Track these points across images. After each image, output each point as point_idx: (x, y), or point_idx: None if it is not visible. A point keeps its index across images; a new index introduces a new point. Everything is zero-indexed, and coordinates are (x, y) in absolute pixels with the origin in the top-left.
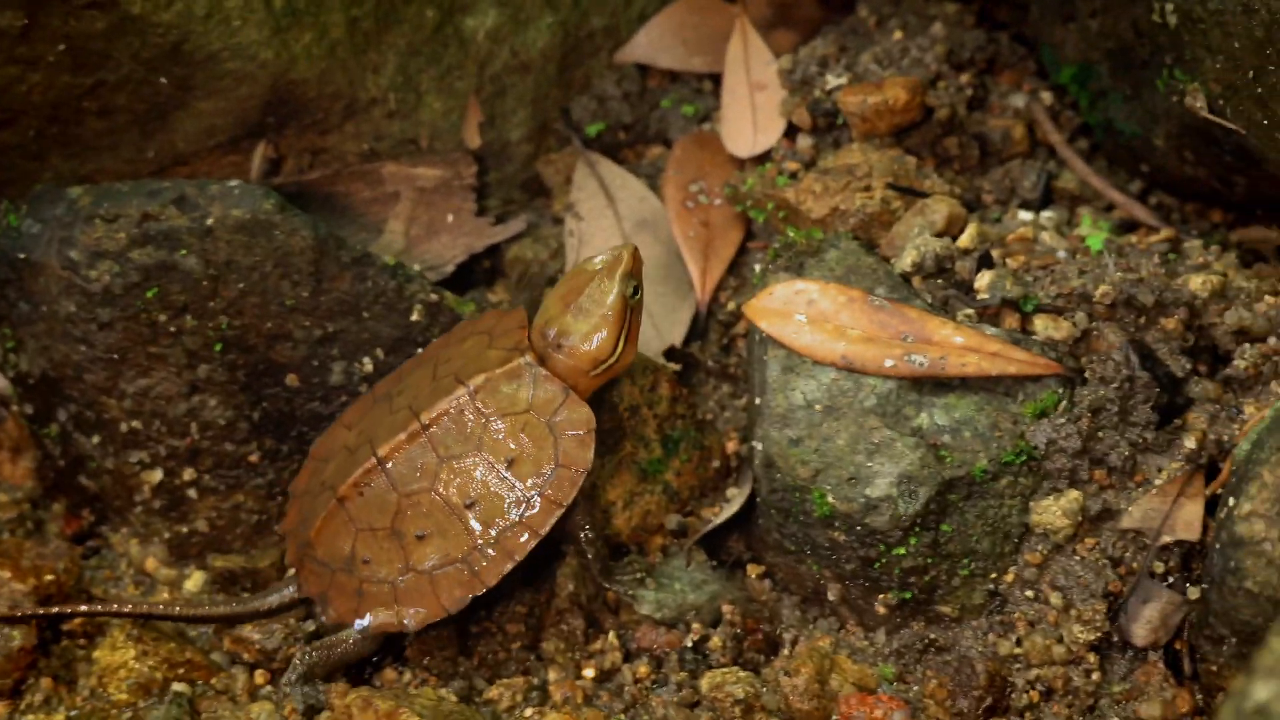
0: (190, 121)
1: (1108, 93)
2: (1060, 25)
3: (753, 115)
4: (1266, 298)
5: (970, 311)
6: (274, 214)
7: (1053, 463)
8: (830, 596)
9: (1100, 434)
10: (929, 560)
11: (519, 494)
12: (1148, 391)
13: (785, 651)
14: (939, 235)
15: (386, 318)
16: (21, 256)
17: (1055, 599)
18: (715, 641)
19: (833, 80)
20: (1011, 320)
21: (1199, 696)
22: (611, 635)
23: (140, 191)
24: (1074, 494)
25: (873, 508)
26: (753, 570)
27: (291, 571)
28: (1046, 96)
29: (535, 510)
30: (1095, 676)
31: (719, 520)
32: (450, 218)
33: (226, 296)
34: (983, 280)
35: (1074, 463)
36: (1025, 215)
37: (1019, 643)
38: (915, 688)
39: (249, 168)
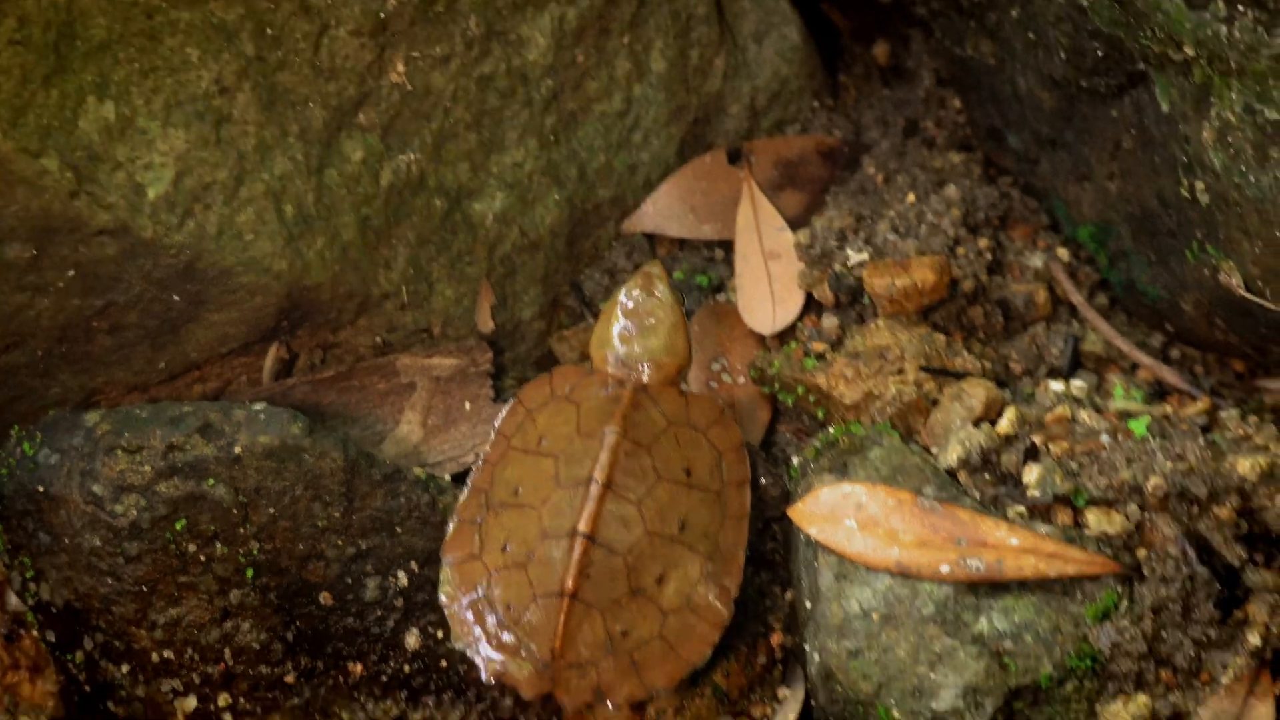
0: (203, 332)
1: (1129, 254)
2: (1074, 183)
3: (770, 287)
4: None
5: (1021, 509)
6: (302, 437)
7: (1118, 665)
8: None
9: (1163, 633)
10: None
11: (711, 493)
12: (1208, 587)
13: None
14: (978, 422)
15: (421, 531)
16: (40, 489)
17: None
18: None
19: (854, 255)
20: (1064, 515)
21: None
22: None
23: (161, 419)
24: (1142, 699)
25: (938, 717)
26: None
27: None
28: (1063, 253)
29: (732, 499)
30: None
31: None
32: (467, 405)
33: (257, 522)
34: (1031, 475)
35: (1140, 665)
36: (1057, 386)
37: None
38: None
39: (260, 369)
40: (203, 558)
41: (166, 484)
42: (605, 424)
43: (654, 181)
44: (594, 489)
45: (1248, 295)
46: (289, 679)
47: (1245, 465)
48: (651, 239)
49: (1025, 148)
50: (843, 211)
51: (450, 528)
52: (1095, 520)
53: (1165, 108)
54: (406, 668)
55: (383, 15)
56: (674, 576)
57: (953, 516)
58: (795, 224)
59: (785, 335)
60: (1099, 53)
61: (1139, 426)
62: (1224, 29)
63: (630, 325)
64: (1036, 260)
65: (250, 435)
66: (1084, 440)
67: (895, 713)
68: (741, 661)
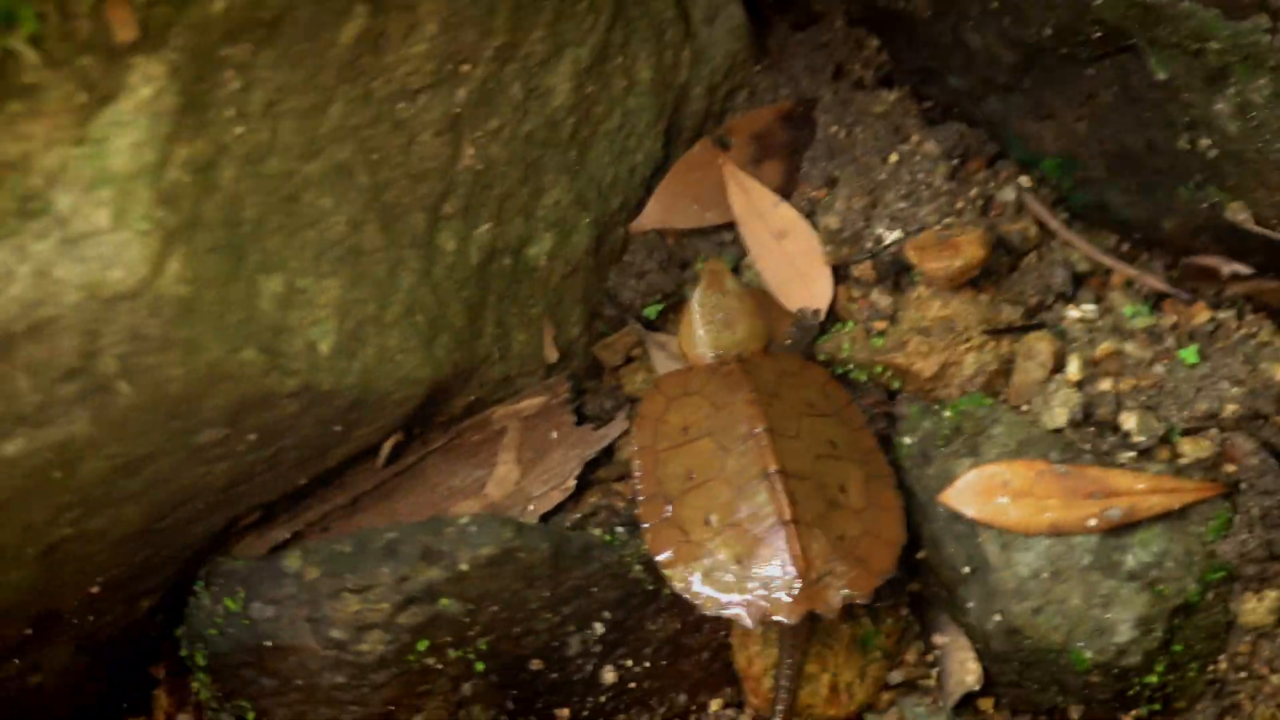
0: (347, 448)
1: (1100, 182)
2: (1033, 121)
3: (793, 268)
4: None
5: (1132, 454)
6: (514, 539)
7: (1244, 570)
8: (1073, 715)
9: (1271, 533)
10: (1169, 676)
11: (835, 416)
12: None
13: None
14: (1051, 373)
15: (612, 585)
16: (267, 643)
17: (1276, 678)
18: None
19: (886, 234)
20: (1164, 451)
21: None
22: None
23: (371, 552)
24: (1271, 593)
25: (1123, 652)
26: (983, 704)
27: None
28: (1025, 181)
29: (850, 415)
30: None
31: (971, 683)
32: (554, 434)
33: (482, 621)
34: (1130, 422)
35: (1263, 566)
36: (1074, 314)
37: (1249, 715)
38: None
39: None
40: (439, 665)
41: (405, 614)
42: (735, 391)
43: (648, 178)
44: (762, 436)
45: (1256, 229)
46: None
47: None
48: (661, 234)
49: (970, 88)
50: (819, 174)
51: (648, 537)
52: (1189, 449)
53: (1161, 76)
54: (603, 699)
55: (456, 110)
56: (849, 484)
57: (1083, 475)
58: (784, 194)
59: (831, 317)
60: (1097, 34)
61: (1189, 355)
62: (1267, 38)
63: (713, 324)
64: (1009, 194)
65: (471, 550)
66: (1143, 374)
67: (1087, 653)
68: (896, 622)
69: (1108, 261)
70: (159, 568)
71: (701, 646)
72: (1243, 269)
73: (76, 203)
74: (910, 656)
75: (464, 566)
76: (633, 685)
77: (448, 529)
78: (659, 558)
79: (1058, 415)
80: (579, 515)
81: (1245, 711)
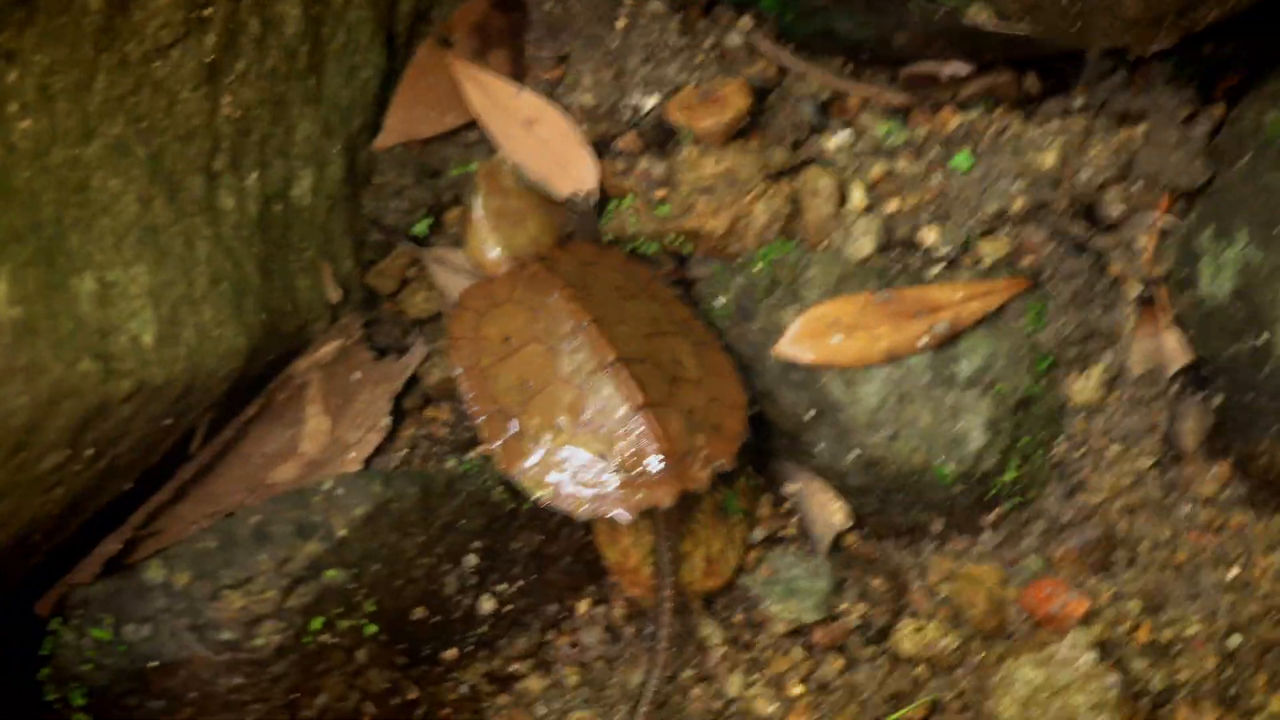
0: (171, 440)
1: (823, 10)
2: None
3: (550, 154)
4: (1062, 141)
5: (939, 267)
6: (384, 491)
7: (1067, 353)
8: (935, 529)
9: (1082, 313)
10: (1021, 469)
11: (646, 294)
12: (1083, 263)
13: (916, 585)
14: (839, 206)
15: (478, 513)
16: (151, 664)
17: (1113, 449)
18: (863, 609)
19: (644, 100)
20: (966, 258)
21: (1231, 463)
22: (798, 650)
23: (242, 541)
24: (1095, 368)
25: (979, 457)
26: (848, 539)
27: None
28: (746, 23)
29: (657, 290)
30: (1162, 486)
31: (840, 523)
32: (357, 375)
33: (367, 583)
34: (929, 236)
35: (1080, 345)
36: (831, 144)
37: (1096, 488)
38: (1043, 565)
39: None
40: (333, 640)
41: (294, 597)
42: (547, 291)
43: (378, 93)
44: (590, 329)
45: (999, 27)
46: (412, 696)
47: (1050, 159)
48: (406, 147)
49: None
50: (582, 60)
51: (500, 456)
52: (988, 250)
53: None
54: (483, 629)
55: (208, 58)
56: (681, 357)
57: (904, 297)
58: (516, 80)
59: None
60: None
61: (963, 161)
62: None
63: (502, 227)
64: (735, 38)
65: (345, 514)
66: (923, 188)
67: (948, 467)
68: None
69: (847, 86)
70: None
71: (563, 552)
72: (960, 69)
73: None
74: (764, 512)
75: (342, 532)
76: (508, 608)
77: (314, 498)
78: (513, 472)
79: (862, 245)
80: (404, 452)
81: (1090, 484)
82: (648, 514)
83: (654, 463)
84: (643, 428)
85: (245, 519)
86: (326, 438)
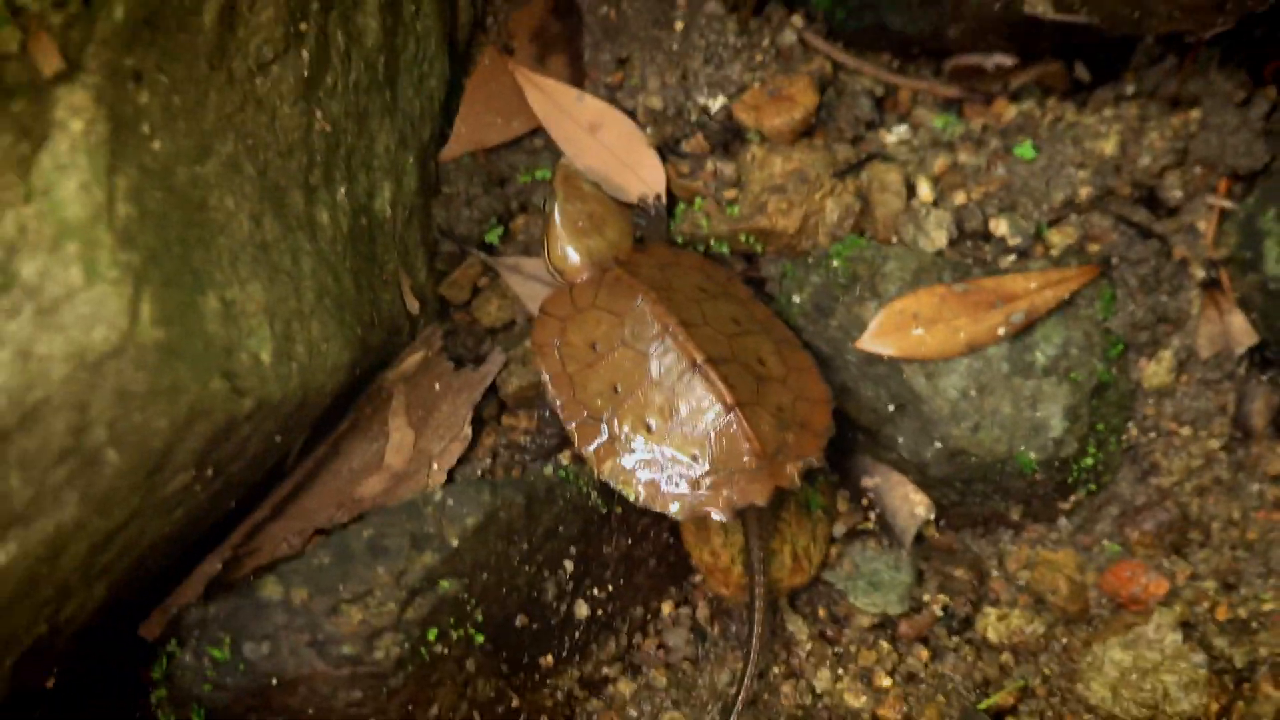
0: (276, 457)
1: (878, 5)
2: None
3: (616, 158)
4: (1119, 128)
5: (1012, 257)
6: (493, 500)
7: (1138, 338)
8: (1012, 517)
9: (1151, 298)
10: (1098, 455)
11: (724, 293)
12: (1149, 249)
13: (995, 573)
14: (905, 199)
15: (575, 519)
16: (273, 682)
17: (1184, 431)
18: (945, 599)
19: (710, 101)
20: (1037, 247)
21: None
22: (884, 643)
23: (355, 556)
24: (1164, 353)
25: (1060, 443)
26: (926, 530)
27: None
28: (799, 21)
29: (736, 289)
30: (1231, 466)
31: (923, 515)
32: (437, 386)
33: (477, 593)
34: (1002, 227)
35: (1151, 331)
36: (890, 138)
37: (1168, 471)
38: (1120, 548)
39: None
40: (445, 650)
41: (411, 609)
42: (631, 295)
43: (444, 102)
44: (677, 330)
45: (1058, 16)
46: (515, 704)
47: (1109, 145)
48: (473, 156)
49: None
50: (644, 63)
51: (595, 462)
52: (1057, 239)
53: None
54: (578, 635)
55: (304, 73)
56: (765, 355)
57: (981, 288)
58: (576, 85)
59: (674, 196)
60: None
61: (1026, 151)
62: None
63: (581, 232)
64: (789, 36)
65: (457, 524)
66: (988, 179)
67: (1031, 454)
68: (820, 472)
69: (900, 81)
70: (109, 641)
71: (648, 555)
72: (1006, 60)
73: (44, 266)
74: (843, 507)
75: (454, 542)
76: (600, 613)
77: (427, 509)
78: (613, 476)
79: (936, 238)
80: (486, 461)
81: (1162, 467)
82: (741, 512)
83: (748, 461)
84: (735, 427)
85: (359, 533)
86: (411, 450)
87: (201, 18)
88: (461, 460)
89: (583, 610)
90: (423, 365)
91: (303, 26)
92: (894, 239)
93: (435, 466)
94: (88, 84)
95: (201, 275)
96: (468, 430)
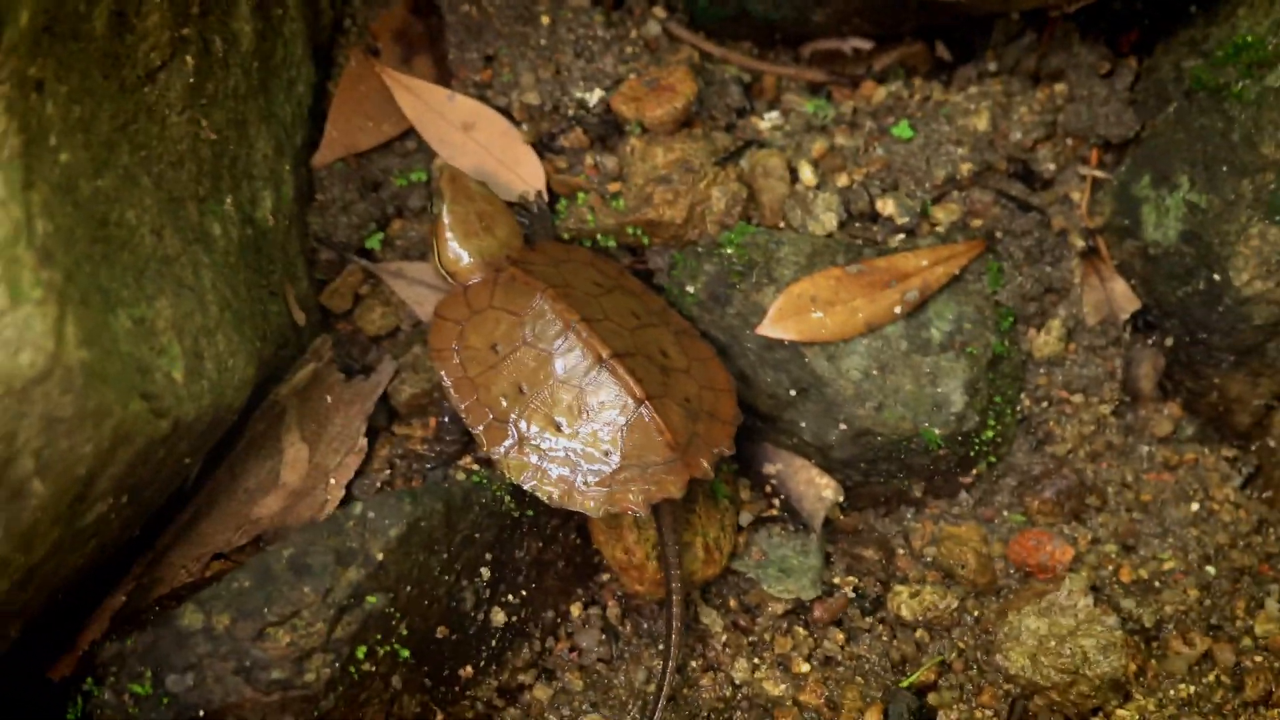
0: (181, 478)
1: None
2: None
3: (493, 157)
4: (988, 104)
5: (901, 236)
6: (414, 509)
7: (1027, 309)
8: (915, 494)
9: (1035, 268)
10: (997, 427)
11: (620, 287)
12: (1030, 221)
13: (901, 551)
14: (789, 184)
15: (490, 524)
16: (200, 715)
17: (1076, 398)
18: (855, 581)
19: (587, 95)
20: (924, 225)
21: (1181, 402)
22: (799, 629)
23: (277, 576)
24: (1052, 322)
25: (962, 417)
26: (833, 513)
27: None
28: (661, 12)
29: (628, 282)
30: (1122, 430)
31: (831, 498)
32: (328, 399)
33: (401, 606)
34: (887, 206)
35: (1039, 301)
36: (763, 124)
37: (1061, 439)
38: (1023, 518)
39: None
40: (373, 667)
41: (340, 627)
42: (529, 294)
43: (311, 107)
44: (580, 327)
45: None
46: (438, 718)
47: (980, 122)
48: (345, 161)
49: None
50: (514, 59)
51: (506, 465)
52: (942, 216)
53: None
54: (494, 643)
55: (190, 80)
56: (666, 347)
57: (875, 268)
58: (444, 85)
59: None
60: None
61: (903, 131)
62: None
63: (472, 232)
64: (652, 27)
65: (381, 537)
66: (868, 160)
67: (935, 430)
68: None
69: (766, 68)
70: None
71: (557, 557)
72: (863, 44)
73: None
74: (745, 495)
75: (379, 555)
76: (514, 619)
77: (348, 523)
78: (526, 478)
79: (825, 220)
80: (385, 473)
81: (1056, 436)
82: (656, 507)
83: (661, 454)
84: (646, 420)
85: (279, 553)
86: (306, 466)
87: (93, 24)
88: (358, 473)
89: (499, 617)
90: (314, 378)
91: (185, 31)
92: (782, 224)
93: (332, 481)
94: (1, 95)
95: (110, 293)
96: (363, 442)
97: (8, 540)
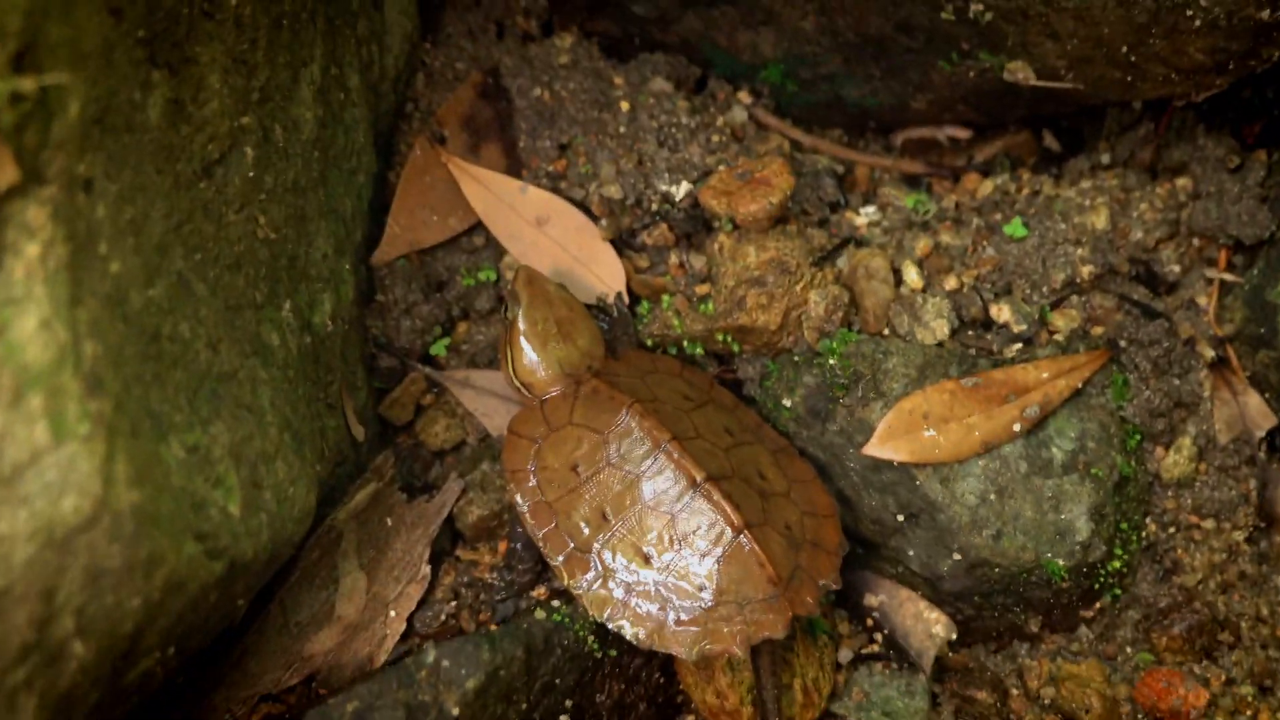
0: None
1: (833, 78)
2: (745, 31)
3: (568, 254)
4: (1103, 200)
5: (1018, 345)
6: (493, 657)
7: (1154, 426)
8: (1030, 629)
9: (1164, 381)
10: (1124, 555)
11: (711, 401)
12: (1156, 329)
13: (1014, 693)
14: (893, 287)
15: (572, 668)
16: None
17: (1206, 523)
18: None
19: (673, 189)
20: (1042, 333)
21: None
22: None
23: None
24: (1183, 441)
25: (1087, 547)
26: (943, 653)
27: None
28: (746, 97)
29: (722, 397)
30: (1255, 559)
31: (943, 635)
32: (389, 521)
33: None
34: (1004, 313)
35: (1167, 417)
36: (859, 220)
37: (1191, 569)
38: (1150, 656)
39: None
40: None
41: None
42: (614, 409)
43: (372, 200)
44: (671, 447)
45: (1039, 83)
46: None
47: (1099, 220)
48: (407, 259)
49: (662, 11)
50: (590, 149)
51: (589, 603)
52: (1061, 323)
53: None
54: None
55: (249, 174)
56: (764, 468)
57: (992, 381)
58: (513, 175)
59: (639, 293)
60: None
61: (1016, 230)
62: None
63: (550, 341)
64: (739, 114)
65: (456, 689)
66: (977, 261)
67: (1059, 561)
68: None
69: (863, 159)
70: None
71: (639, 699)
72: (959, 133)
73: (3, 424)
74: (844, 630)
75: (454, 710)
76: None
77: (419, 673)
78: (610, 616)
79: (936, 328)
80: (451, 604)
81: (1185, 565)
82: (755, 647)
83: (762, 589)
84: (746, 551)
85: (342, 706)
86: (364, 596)
87: (148, 113)
88: (420, 604)
89: None
90: (374, 499)
91: (245, 120)
92: (886, 331)
93: (393, 614)
94: (47, 199)
95: (162, 419)
96: (426, 569)
97: (42, 710)
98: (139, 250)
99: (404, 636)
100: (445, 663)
